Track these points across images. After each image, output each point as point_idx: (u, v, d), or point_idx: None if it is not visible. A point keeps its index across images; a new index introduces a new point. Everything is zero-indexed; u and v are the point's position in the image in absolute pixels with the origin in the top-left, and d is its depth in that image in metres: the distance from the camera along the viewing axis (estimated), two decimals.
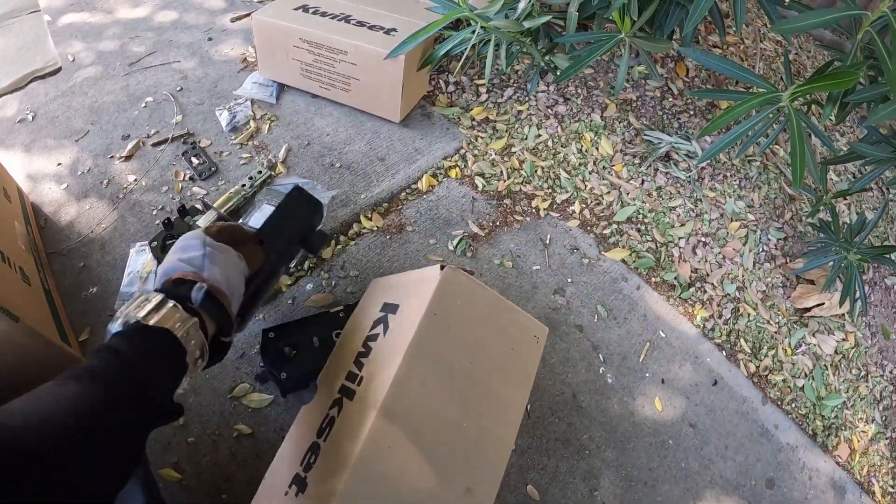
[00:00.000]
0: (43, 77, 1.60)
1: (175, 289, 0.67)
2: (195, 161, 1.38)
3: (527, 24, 1.30)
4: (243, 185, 1.31)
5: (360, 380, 0.83)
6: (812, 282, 1.50)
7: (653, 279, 1.42)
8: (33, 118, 1.47)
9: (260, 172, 1.34)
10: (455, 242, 1.36)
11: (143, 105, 1.51)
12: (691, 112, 1.70)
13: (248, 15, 1.78)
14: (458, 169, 1.50)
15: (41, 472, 0.45)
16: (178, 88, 1.56)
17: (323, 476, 0.76)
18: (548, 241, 1.42)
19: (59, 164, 1.38)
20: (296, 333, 1.08)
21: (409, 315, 0.84)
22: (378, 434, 0.72)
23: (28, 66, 1.61)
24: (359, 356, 0.88)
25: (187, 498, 0.99)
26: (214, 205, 1.25)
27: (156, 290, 0.67)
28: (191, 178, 1.37)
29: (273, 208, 0.94)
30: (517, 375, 0.91)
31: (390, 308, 0.90)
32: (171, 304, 0.64)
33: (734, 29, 1.95)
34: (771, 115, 1.14)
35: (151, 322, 0.61)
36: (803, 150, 1.06)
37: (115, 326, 0.63)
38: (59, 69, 1.62)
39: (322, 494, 0.72)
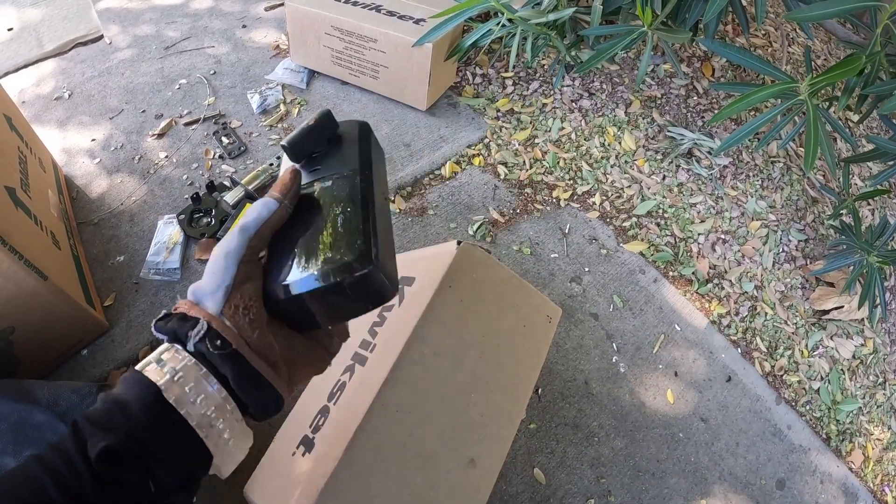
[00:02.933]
0: (85, 44, 1.66)
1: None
2: (225, 140, 1.42)
3: (552, 17, 1.31)
4: (271, 164, 1.34)
5: (373, 347, 0.85)
6: (832, 284, 1.49)
7: (670, 273, 1.42)
8: (69, 96, 1.51)
9: None
10: (475, 227, 1.37)
11: (177, 87, 1.55)
12: (716, 111, 1.70)
13: (282, 4, 1.81)
14: (481, 157, 1.51)
15: None
16: (212, 72, 1.60)
17: (330, 438, 0.77)
18: (567, 231, 1.43)
19: (93, 139, 1.42)
20: None
21: (424, 287, 0.85)
22: (385, 400, 0.73)
23: (72, 33, 1.67)
24: (374, 325, 0.89)
25: None
26: (242, 181, 1.28)
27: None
28: (220, 157, 1.40)
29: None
30: (528, 352, 0.92)
31: (406, 280, 0.92)
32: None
33: (762, 31, 1.94)
34: (790, 110, 1.14)
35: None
36: (817, 132, 1.06)
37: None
38: (102, 36, 1.68)
39: (328, 455, 0.73)
